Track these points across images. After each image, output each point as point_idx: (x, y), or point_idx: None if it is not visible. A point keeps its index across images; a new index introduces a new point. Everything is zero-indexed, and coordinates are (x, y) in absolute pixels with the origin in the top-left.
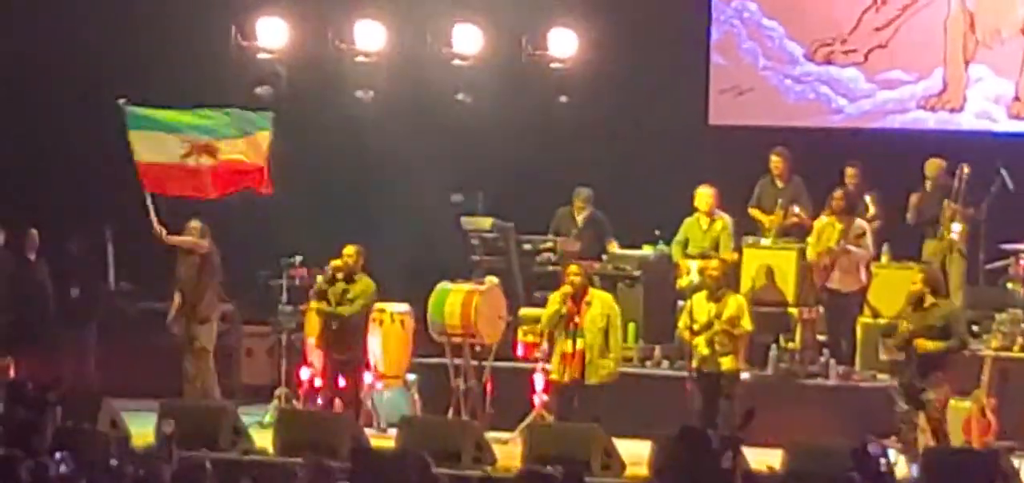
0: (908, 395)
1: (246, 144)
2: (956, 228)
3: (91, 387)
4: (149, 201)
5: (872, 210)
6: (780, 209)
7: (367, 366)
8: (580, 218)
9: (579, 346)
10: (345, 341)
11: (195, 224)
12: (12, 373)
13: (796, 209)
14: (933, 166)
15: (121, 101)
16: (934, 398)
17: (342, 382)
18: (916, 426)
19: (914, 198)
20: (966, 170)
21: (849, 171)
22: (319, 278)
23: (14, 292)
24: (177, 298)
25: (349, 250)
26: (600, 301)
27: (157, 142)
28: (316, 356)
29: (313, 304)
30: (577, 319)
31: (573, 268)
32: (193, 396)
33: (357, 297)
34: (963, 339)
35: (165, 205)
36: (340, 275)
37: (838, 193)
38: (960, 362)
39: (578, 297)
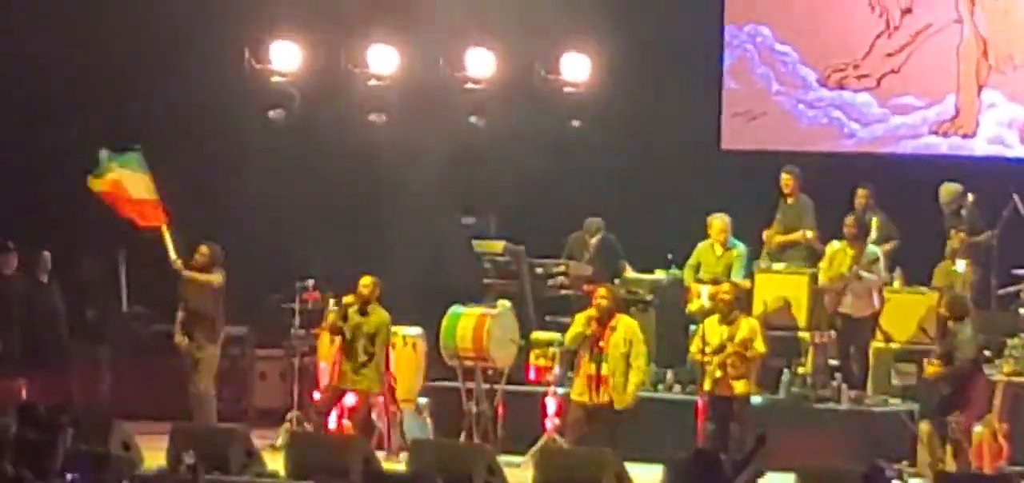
0: (933, 420)
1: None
2: (961, 264)
3: (104, 409)
4: (167, 235)
5: (873, 234)
6: (778, 226)
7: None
8: (592, 243)
9: (604, 371)
10: (363, 377)
11: (205, 249)
12: (24, 394)
13: (806, 233)
14: (947, 191)
15: (103, 152)
16: (955, 422)
17: (351, 401)
18: (933, 449)
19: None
20: (971, 198)
21: (860, 192)
22: (331, 314)
23: (26, 314)
24: (181, 315)
25: (366, 281)
26: (624, 326)
27: (138, 181)
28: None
29: (326, 335)
30: (602, 343)
31: (602, 291)
32: (201, 418)
33: (376, 334)
34: (961, 364)
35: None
36: (353, 309)
37: (850, 219)
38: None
39: (604, 320)
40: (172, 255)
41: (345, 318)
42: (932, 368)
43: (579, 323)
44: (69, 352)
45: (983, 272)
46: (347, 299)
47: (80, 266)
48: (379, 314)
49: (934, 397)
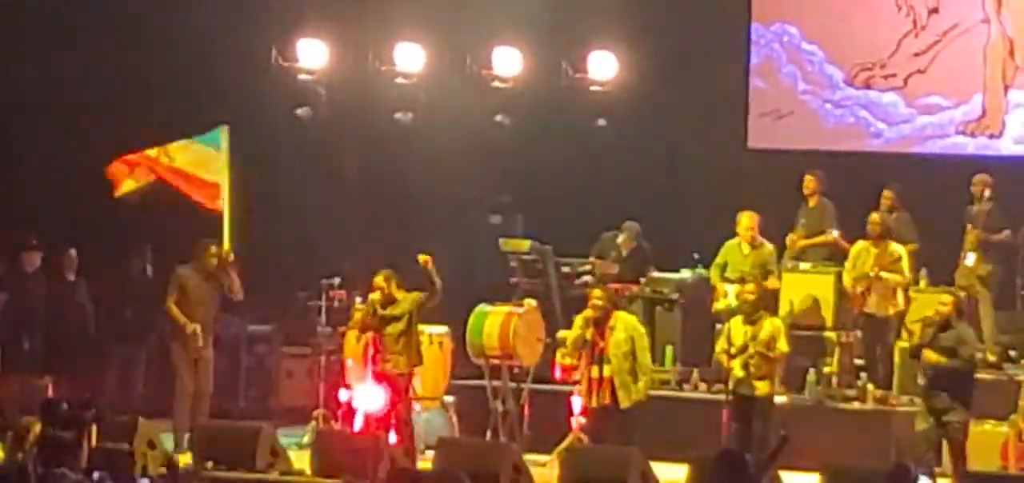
0: (933, 417)
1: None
2: (970, 258)
3: (136, 408)
4: (226, 222)
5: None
6: (801, 229)
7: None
8: (625, 247)
9: (607, 372)
10: (393, 355)
11: (214, 249)
12: (50, 393)
13: (833, 232)
14: (975, 183)
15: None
16: (955, 420)
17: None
18: (937, 447)
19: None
20: (988, 194)
21: (885, 193)
22: (358, 311)
23: (52, 312)
24: (200, 310)
25: (378, 280)
26: (623, 324)
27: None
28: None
29: (353, 333)
30: (601, 345)
31: (596, 292)
32: (199, 410)
33: (402, 310)
34: (967, 361)
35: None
36: (380, 305)
37: (874, 218)
38: (983, 385)
39: (602, 322)
40: (226, 245)
41: (374, 314)
42: (933, 356)
43: (576, 326)
44: (100, 351)
45: (1008, 272)
46: (373, 297)
47: (128, 266)
48: (406, 297)
49: (931, 396)
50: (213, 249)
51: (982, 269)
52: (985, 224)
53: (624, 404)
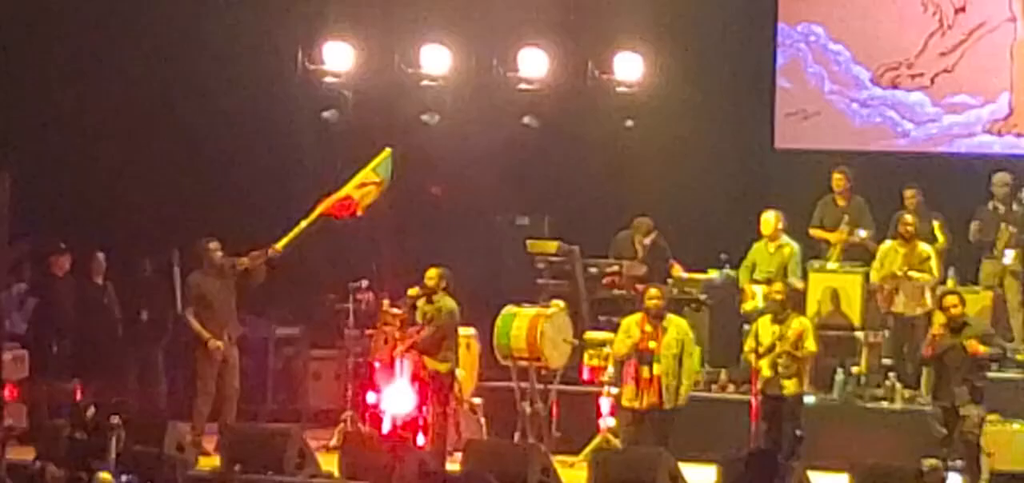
0: (945, 417)
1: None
2: (1009, 255)
3: (160, 410)
4: (302, 226)
5: (941, 238)
6: (845, 227)
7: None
8: (641, 245)
9: (656, 371)
10: (430, 353)
11: (214, 244)
12: (78, 396)
13: (862, 233)
14: (1000, 180)
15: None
16: (970, 416)
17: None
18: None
19: (974, 225)
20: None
21: (908, 193)
22: (393, 312)
23: (80, 315)
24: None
25: (431, 273)
26: (676, 326)
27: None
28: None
29: (381, 335)
30: (653, 344)
31: (653, 291)
32: (227, 412)
33: (433, 318)
34: (1002, 347)
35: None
36: (422, 301)
37: (907, 218)
38: (1012, 385)
39: (656, 321)
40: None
41: (414, 309)
42: (975, 345)
43: (628, 331)
44: (125, 354)
45: None
46: (412, 292)
47: (139, 267)
48: (445, 302)
49: (944, 392)
50: (213, 244)
51: (1019, 266)
52: (1020, 220)
53: (668, 405)
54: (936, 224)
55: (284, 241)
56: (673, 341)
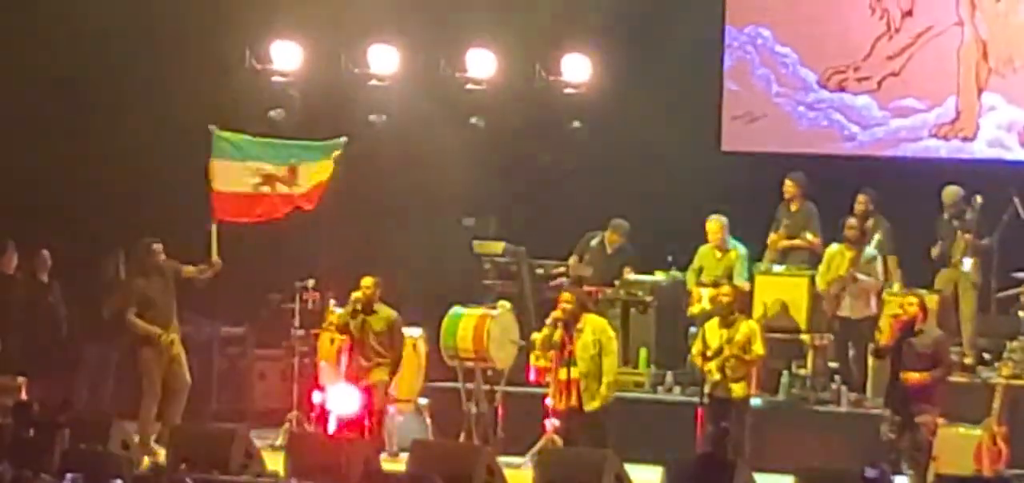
0: (895, 420)
1: (320, 166)
2: (967, 263)
3: (106, 408)
4: (214, 231)
5: (873, 242)
6: (783, 231)
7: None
8: (611, 247)
9: (574, 374)
10: (371, 369)
11: (156, 246)
12: (24, 394)
13: (807, 236)
14: (950, 194)
15: (211, 127)
16: (923, 423)
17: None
18: (905, 454)
19: (935, 250)
20: (979, 200)
21: (860, 198)
22: (337, 312)
23: (26, 314)
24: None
25: (366, 282)
26: (591, 327)
27: (234, 172)
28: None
29: (326, 335)
30: (570, 347)
31: (565, 295)
32: (176, 410)
33: (386, 330)
34: (949, 366)
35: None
36: (359, 307)
37: (852, 221)
38: (958, 389)
39: (570, 324)
40: (214, 255)
41: (354, 315)
42: (917, 376)
43: (545, 328)
44: (73, 352)
45: (984, 275)
46: (355, 295)
47: (101, 266)
48: (385, 312)
49: (895, 394)
50: (156, 246)
51: (975, 275)
52: (976, 230)
53: (587, 407)
54: (878, 235)
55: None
56: (590, 342)
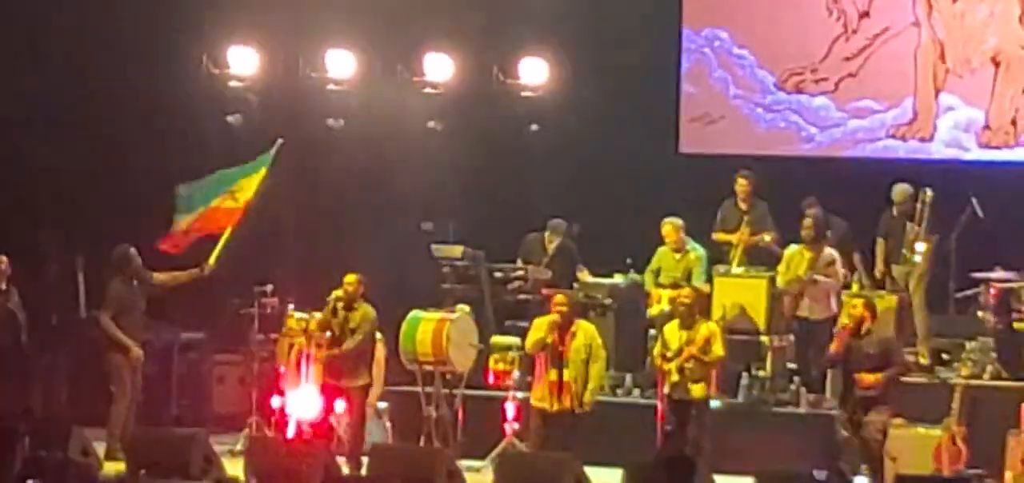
0: (850, 422)
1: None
2: (919, 248)
3: (61, 415)
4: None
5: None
6: (746, 227)
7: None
8: (551, 247)
9: (566, 377)
10: (350, 370)
11: (134, 252)
12: None
13: (767, 237)
14: (901, 192)
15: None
16: (872, 423)
17: (341, 407)
18: (860, 454)
19: (879, 246)
20: (929, 194)
21: (806, 205)
22: (297, 317)
23: None
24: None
25: (350, 279)
26: (584, 332)
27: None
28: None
29: (285, 340)
30: (562, 349)
31: (560, 298)
32: (129, 418)
33: (358, 327)
34: (904, 364)
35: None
36: (341, 305)
37: (808, 222)
38: (917, 389)
39: (565, 327)
40: (212, 260)
41: (334, 314)
42: (871, 378)
43: (540, 329)
44: (29, 359)
45: (941, 275)
46: (336, 293)
47: (44, 269)
48: (363, 309)
49: (849, 397)
50: (133, 252)
51: (924, 265)
52: (928, 224)
53: (577, 410)
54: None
55: (214, 256)
56: (582, 346)
